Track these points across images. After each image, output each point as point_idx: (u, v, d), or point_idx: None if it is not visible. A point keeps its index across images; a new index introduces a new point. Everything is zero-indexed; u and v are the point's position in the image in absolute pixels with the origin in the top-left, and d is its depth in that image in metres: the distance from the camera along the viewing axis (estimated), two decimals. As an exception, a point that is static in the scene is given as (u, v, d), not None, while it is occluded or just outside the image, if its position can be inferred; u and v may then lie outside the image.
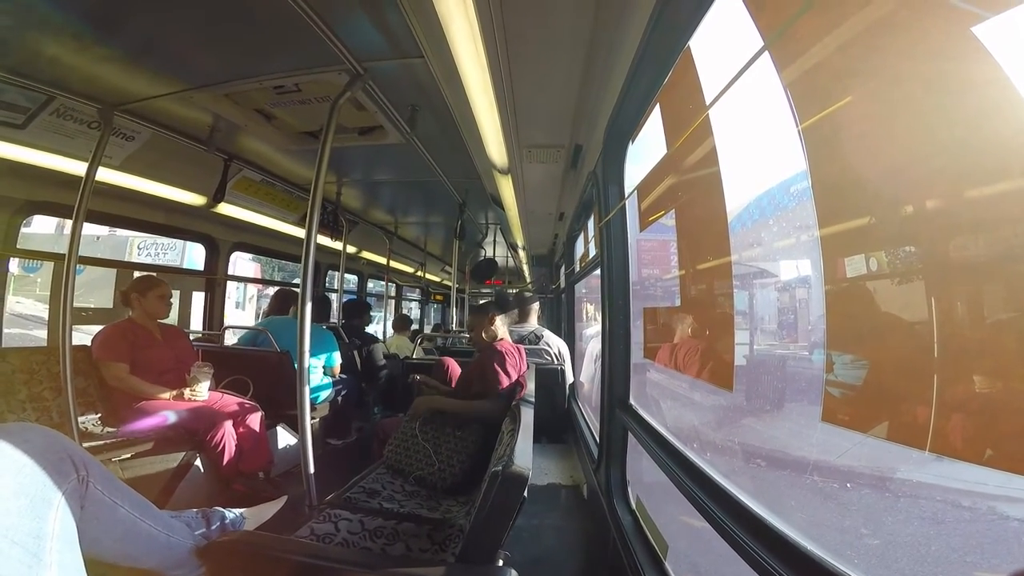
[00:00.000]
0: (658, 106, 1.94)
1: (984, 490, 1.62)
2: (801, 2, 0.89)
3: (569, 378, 4.70)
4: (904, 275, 0.82)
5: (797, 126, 0.95)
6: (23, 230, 3.32)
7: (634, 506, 2.42)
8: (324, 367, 4.20)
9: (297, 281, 3.99)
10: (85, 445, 2.59)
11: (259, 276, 16.00)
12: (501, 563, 1.48)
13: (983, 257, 0.71)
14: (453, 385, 3.10)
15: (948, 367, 0.71)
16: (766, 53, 1.01)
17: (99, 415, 3.07)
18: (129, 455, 2.79)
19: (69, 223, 2.87)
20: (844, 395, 0.89)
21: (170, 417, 2.99)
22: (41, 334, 3.72)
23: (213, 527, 1.88)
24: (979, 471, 0.66)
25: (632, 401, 2.54)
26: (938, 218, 0.77)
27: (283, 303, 4.62)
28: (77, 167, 3.04)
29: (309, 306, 2.36)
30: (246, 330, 4.65)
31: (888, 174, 0.83)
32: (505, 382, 2.83)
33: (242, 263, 14.49)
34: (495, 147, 2.96)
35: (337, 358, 4.36)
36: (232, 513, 2.01)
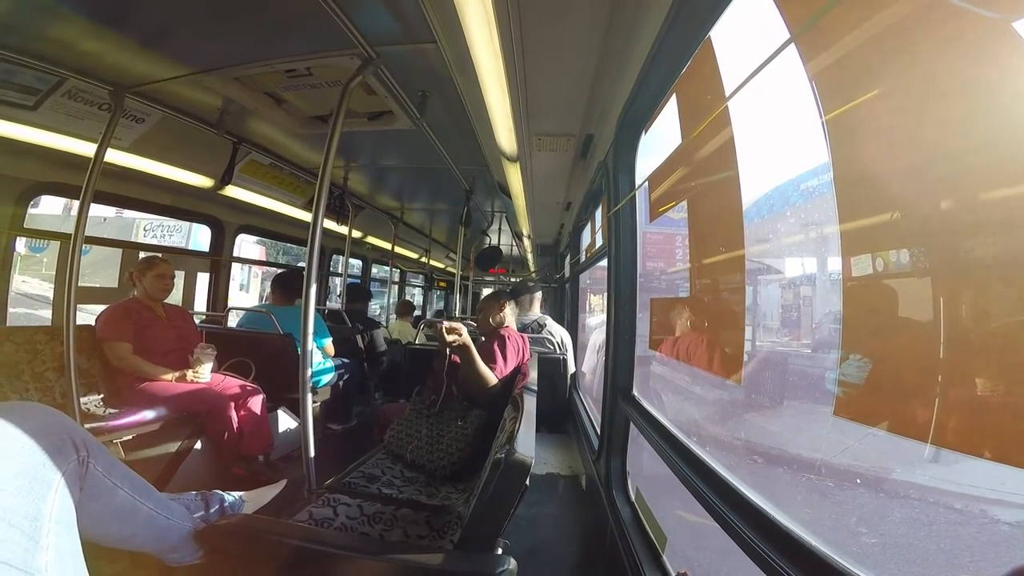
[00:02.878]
0: (674, 97, 1.92)
1: (976, 493, 1.63)
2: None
3: (572, 368, 4.70)
4: (927, 273, 0.81)
5: (821, 118, 0.94)
6: (31, 210, 3.32)
7: (633, 498, 2.42)
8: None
9: (300, 264, 3.98)
10: (87, 426, 2.60)
11: (264, 258, 16.03)
12: (500, 551, 1.48)
13: (1010, 256, 0.70)
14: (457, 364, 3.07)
15: (969, 363, 0.70)
16: (792, 45, 0.99)
17: (101, 396, 3.07)
18: (130, 436, 2.80)
19: (76, 204, 2.87)
20: (863, 390, 0.88)
21: (170, 407, 2.99)
22: (46, 313, 3.73)
23: (212, 510, 1.88)
24: (972, 475, 0.66)
25: (635, 392, 2.53)
26: (966, 216, 0.75)
27: (286, 290, 4.47)
28: (87, 148, 3.03)
29: (314, 289, 2.36)
30: (247, 311, 4.63)
31: (914, 171, 0.81)
32: (501, 365, 2.83)
33: (247, 246, 14.53)
34: (504, 135, 2.95)
35: (327, 341, 4.36)
36: (231, 496, 2.01)
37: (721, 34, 1.52)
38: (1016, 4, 0.64)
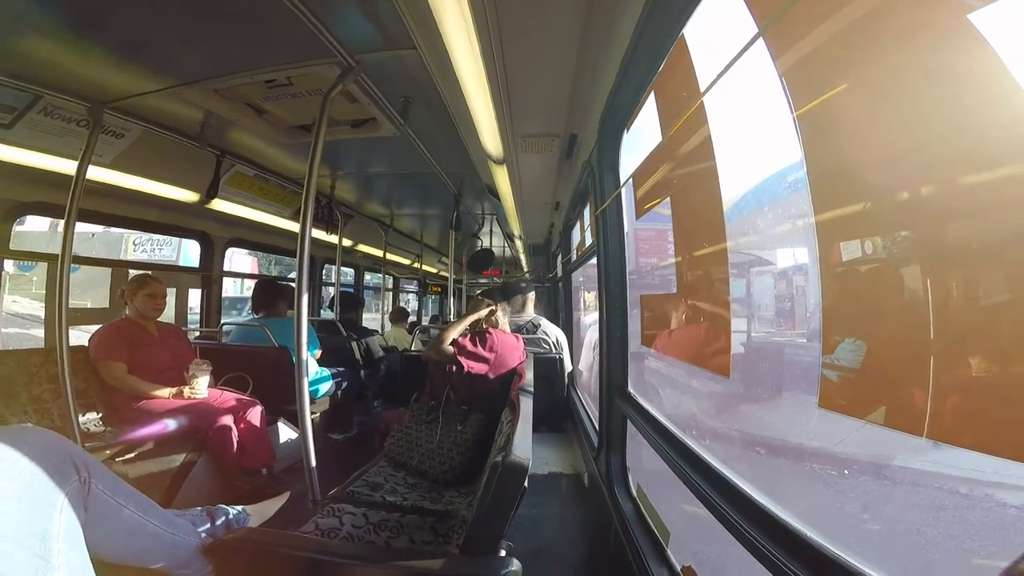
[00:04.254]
0: (653, 95, 1.94)
1: (981, 477, 1.64)
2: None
3: (568, 366, 4.71)
4: (898, 261, 0.82)
5: (792, 114, 0.95)
6: (16, 228, 3.29)
7: (635, 493, 2.44)
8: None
9: (291, 275, 3.97)
10: (87, 445, 2.60)
11: (256, 270, 15.97)
12: (504, 553, 1.49)
13: (975, 243, 0.72)
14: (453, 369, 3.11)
15: (942, 351, 0.71)
16: (760, 41, 1.00)
17: (100, 415, 3.06)
18: (132, 455, 2.79)
19: (62, 221, 2.85)
20: (840, 380, 0.90)
21: (170, 424, 2.98)
22: (38, 333, 3.72)
23: (218, 524, 1.89)
24: (973, 459, 0.66)
25: (631, 389, 2.54)
26: (931, 205, 0.77)
27: (269, 299, 4.44)
28: (68, 166, 3.01)
29: (306, 299, 2.36)
30: (237, 326, 4.61)
31: (883, 162, 0.83)
32: (493, 360, 2.87)
33: (239, 257, 14.49)
34: (489, 137, 2.95)
35: (316, 352, 4.34)
36: (235, 510, 2.02)
37: (695, 32, 1.53)
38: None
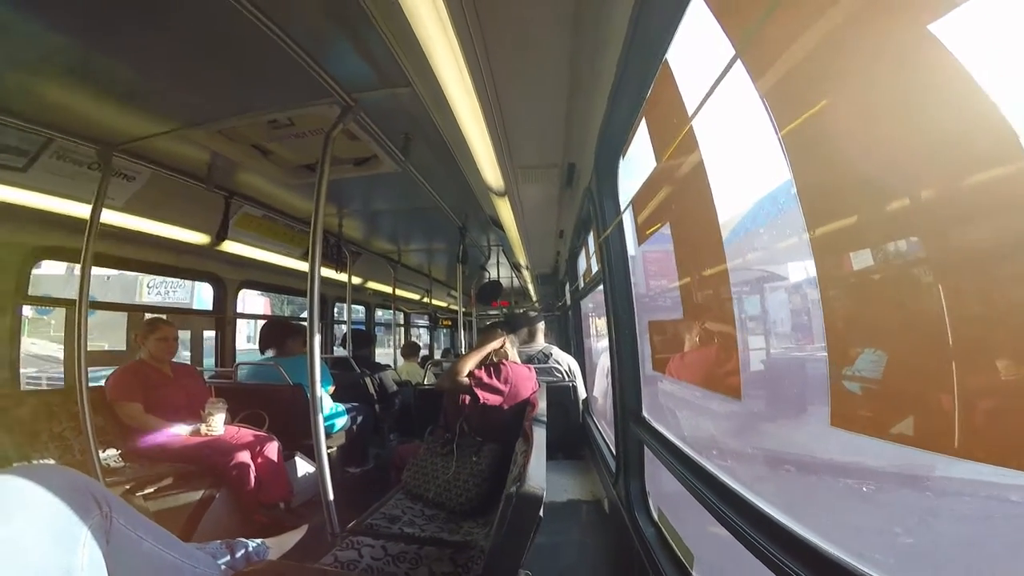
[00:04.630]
0: (644, 120, 1.97)
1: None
2: (764, 8, 0.91)
3: (582, 393, 4.69)
4: (891, 271, 0.83)
5: (776, 133, 0.97)
6: (34, 271, 3.36)
7: (656, 518, 2.41)
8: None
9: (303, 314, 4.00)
10: (107, 480, 2.63)
11: (269, 310, 16.09)
12: (522, 582, 1.48)
13: (963, 251, 0.73)
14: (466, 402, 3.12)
15: (959, 362, 0.71)
16: (738, 61, 1.02)
17: (119, 452, 3.10)
18: (151, 490, 2.80)
19: (78, 265, 2.90)
20: (850, 397, 0.89)
21: (188, 461, 3.01)
22: (55, 372, 3.77)
23: (238, 556, 1.89)
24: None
25: (645, 414, 2.53)
26: (919, 213, 0.78)
27: (278, 338, 4.47)
28: (82, 210, 3.07)
29: (318, 338, 2.38)
30: (251, 365, 4.63)
31: (871, 172, 0.84)
32: (506, 392, 2.86)
33: (250, 297, 14.59)
34: (489, 170, 2.99)
35: (330, 388, 4.37)
36: (255, 543, 2.02)
37: (676, 56, 1.56)
38: (929, 9, 0.68)
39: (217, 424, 3.22)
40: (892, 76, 0.78)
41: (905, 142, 0.78)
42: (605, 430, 4.13)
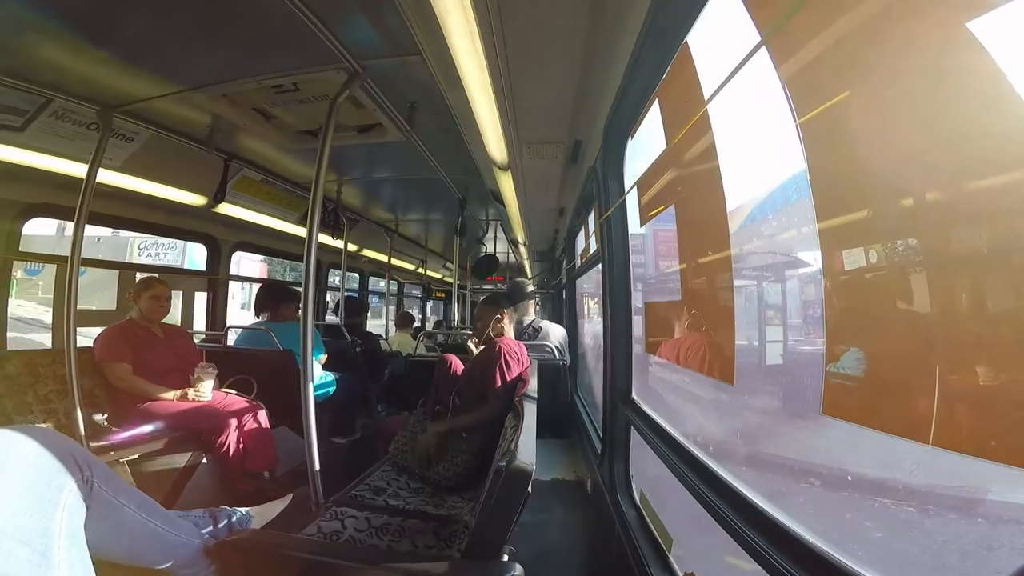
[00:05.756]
0: (657, 101, 1.94)
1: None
2: (797, -2, 0.90)
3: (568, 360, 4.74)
4: (902, 268, 0.82)
5: (795, 121, 0.95)
6: (24, 232, 3.32)
7: (638, 500, 2.43)
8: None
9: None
10: (91, 445, 2.61)
11: (265, 275, 15.98)
12: (506, 558, 1.49)
13: (981, 250, 0.72)
14: (459, 375, 3.10)
15: (946, 358, 0.71)
16: (763, 48, 1.01)
17: (105, 415, 3.06)
18: (136, 456, 2.80)
19: (70, 225, 2.87)
20: (844, 387, 0.90)
21: (174, 426, 3.01)
22: (39, 337, 3.74)
23: (220, 526, 1.90)
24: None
25: (634, 396, 2.54)
26: (936, 211, 0.77)
27: (272, 303, 4.42)
28: (78, 169, 3.04)
29: (312, 304, 2.37)
30: (243, 329, 4.61)
31: (886, 168, 0.83)
32: (500, 383, 2.83)
33: (247, 262, 14.51)
34: (494, 143, 2.96)
35: (323, 357, 4.37)
36: (238, 512, 2.03)
37: (698, 39, 1.54)
38: (969, 4, 0.66)
39: (205, 390, 3.19)
40: (921, 73, 0.76)
41: (930, 141, 0.77)
42: (592, 410, 4.16)
